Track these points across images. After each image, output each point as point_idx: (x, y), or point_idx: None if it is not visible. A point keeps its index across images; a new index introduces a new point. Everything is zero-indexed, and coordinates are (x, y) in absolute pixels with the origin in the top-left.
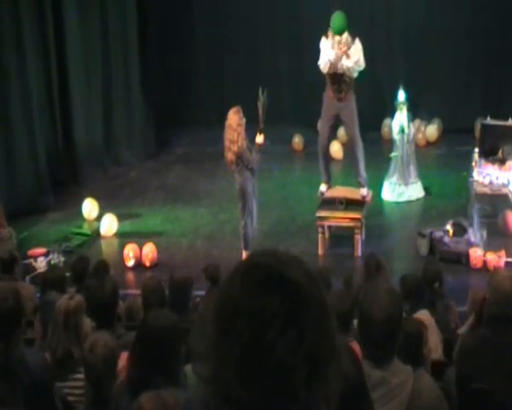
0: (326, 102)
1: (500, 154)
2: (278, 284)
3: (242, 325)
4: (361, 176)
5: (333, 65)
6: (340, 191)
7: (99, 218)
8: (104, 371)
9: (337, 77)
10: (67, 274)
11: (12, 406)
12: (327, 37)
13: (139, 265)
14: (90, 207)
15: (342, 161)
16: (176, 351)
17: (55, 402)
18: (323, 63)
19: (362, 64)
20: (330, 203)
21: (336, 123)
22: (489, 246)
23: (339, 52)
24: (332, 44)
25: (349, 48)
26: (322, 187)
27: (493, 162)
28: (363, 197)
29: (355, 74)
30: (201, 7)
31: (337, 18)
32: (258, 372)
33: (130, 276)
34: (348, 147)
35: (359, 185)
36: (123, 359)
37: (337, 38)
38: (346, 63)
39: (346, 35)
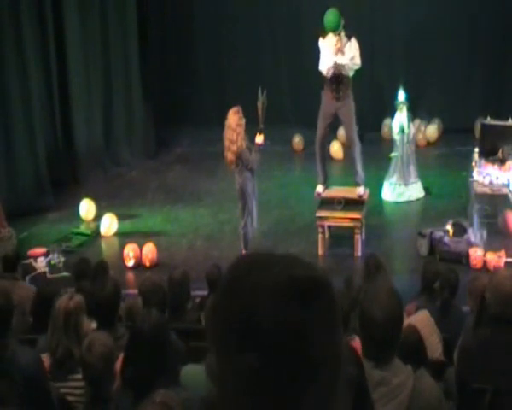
0: (324, 100)
1: (500, 154)
2: (300, 292)
3: (265, 338)
4: (359, 175)
5: (333, 68)
6: (338, 191)
7: (97, 218)
8: (102, 370)
9: (335, 77)
10: (67, 274)
11: (10, 405)
12: (323, 37)
13: (139, 265)
14: (87, 208)
15: (342, 160)
16: (165, 351)
17: (51, 397)
18: (325, 69)
19: (358, 62)
20: (330, 203)
21: (334, 122)
22: (489, 246)
23: (334, 49)
24: (329, 44)
25: (344, 45)
26: (319, 188)
27: (493, 162)
28: (360, 196)
29: (351, 73)
30: (201, 7)
31: (330, 15)
32: (273, 383)
33: (130, 276)
34: (347, 146)
35: (356, 185)
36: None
37: (332, 36)
38: (340, 60)
39: (342, 34)
